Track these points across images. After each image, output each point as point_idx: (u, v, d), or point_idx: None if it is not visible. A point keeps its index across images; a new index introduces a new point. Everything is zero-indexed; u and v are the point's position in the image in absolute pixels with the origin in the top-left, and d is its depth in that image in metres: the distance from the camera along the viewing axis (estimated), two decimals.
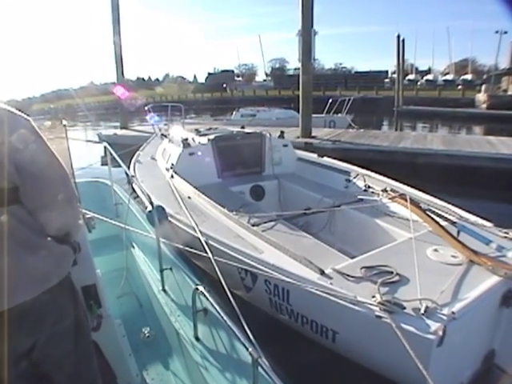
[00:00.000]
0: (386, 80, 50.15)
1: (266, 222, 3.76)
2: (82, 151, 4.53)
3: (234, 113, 19.82)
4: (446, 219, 3.44)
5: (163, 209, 3.70)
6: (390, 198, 3.91)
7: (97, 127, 25.78)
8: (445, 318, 2.11)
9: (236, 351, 2.04)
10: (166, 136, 6.56)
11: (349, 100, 15.96)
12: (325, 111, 16.03)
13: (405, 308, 2.18)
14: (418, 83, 46.69)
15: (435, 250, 2.94)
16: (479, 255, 2.74)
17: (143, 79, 78.53)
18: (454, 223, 3.38)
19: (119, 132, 15.17)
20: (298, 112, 17.64)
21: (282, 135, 6.09)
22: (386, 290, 2.37)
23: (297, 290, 2.61)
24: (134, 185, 4.89)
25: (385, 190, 4.13)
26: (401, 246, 3.08)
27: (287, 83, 48.80)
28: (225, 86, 54.63)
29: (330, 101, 15.77)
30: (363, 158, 8.43)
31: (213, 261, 2.58)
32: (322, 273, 2.59)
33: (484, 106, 27.80)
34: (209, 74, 69.36)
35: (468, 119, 23.96)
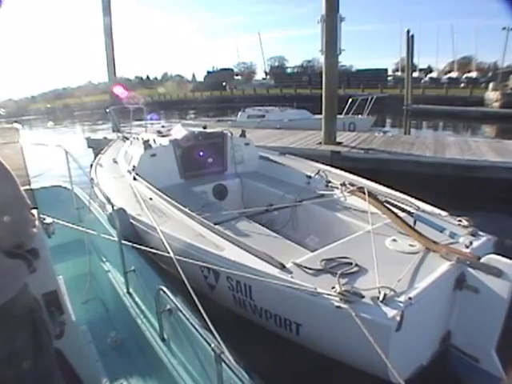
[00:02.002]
0: (389, 78, 48.67)
1: (228, 221, 3.80)
2: (57, 156, 4.42)
3: (239, 113, 17.64)
4: (404, 210, 3.57)
5: (124, 211, 3.67)
6: (348, 192, 4.02)
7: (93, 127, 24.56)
8: (402, 304, 2.20)
9: (201, 348, 2.06)
10: (127, 138, 6.47)
11: (371, 99, 13.98)
12: (343, 112, 13.54)
13: (364, 297, 2.25)
14: (422, 81, 44.45)
15: (393, 240, 3.06)
16: (434, 243, 2.87)
17: (142, 78, 76.71)
18: (410, 213, 3.51)
19: (110, 136, 13.54)
20: (312, 113, 16.04)
21: (243, 134, 6.13)
22: (345, 281, 2.44)
23: (259, 286, 2.65)
24: (95, 188, 4.81)
25: (343, 184, 4.23)
26: (360, 237, 3.18)
27: (288, 81, 48.44)
28: (224, 84, 53.79)
29: (350, 100, 13.75)
30: (403, 170, 7.51)
31: (175, 260, 2.59)
32: (283, 267, 2.63)
33: (497, 104, 26.46)
34: (208, 72, 67.81)
35: (481, 118, 22.61)
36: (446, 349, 2.82)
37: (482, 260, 2.53)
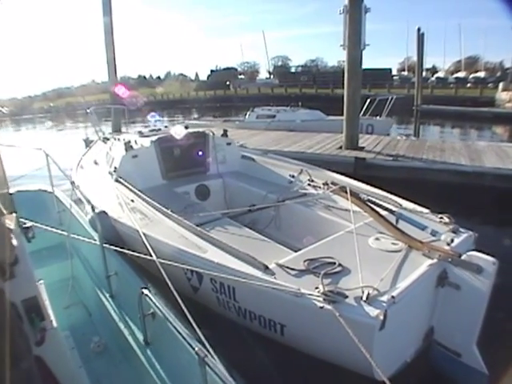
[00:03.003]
0: (395, 77, 46.94)
1: (211, 222, 3.78)
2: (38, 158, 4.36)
3: (247, 113, 16.61)
4: (386, 208, 3.60)
5: (106, 214, 3.62)
6: (331, 191, 4.03)
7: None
8: (385, 303, 2.22)
9: (184, 352, 2.04)
10: (108, 139, 6.39)
11: (391, 99, 13.05)
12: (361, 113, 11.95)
13: (347, 297, 2.26)
14: (428, 81, 42.53)
15: (376, 239, 3.08)
16: (416, 241, 2.90)
17: (144, 77, 76.44)
18: (392, 212, 3.54)
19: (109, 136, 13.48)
20: (325, 113, 15.22)
21: (225, 134, 6.11)
22: (328, 281, 2.45)
23: (242, 287, 2.64)
24: (76, 191, 4.74)
25: (326, 184, 4.24)
26: (343, 236, 3.19)
27: (292, 81, 47.79)
28: (228, 83, 53.00)
29: (369, 100, 12.71)
30: (439, 181, 6.72)
31: (157, 263, 2.56)
32: (266, 268, 2.63)
33: (509, 104, 25.21)
34: (211, 71, 67.35)
35: (492, 119, 21.57)
36: (429, 345, 2.86)
37: (462, 257, 2.57)
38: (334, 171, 5.01)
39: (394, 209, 3.62)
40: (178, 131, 5.53)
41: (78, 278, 3.65)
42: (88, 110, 8.19)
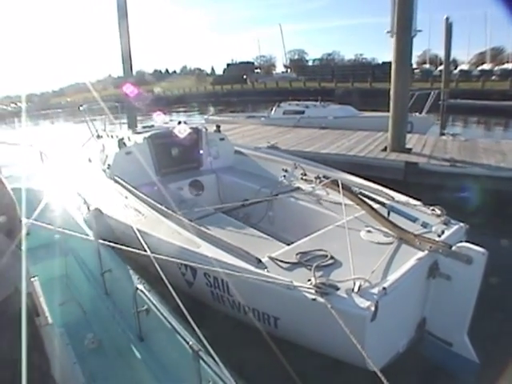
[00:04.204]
0: (416, 70, 43.19)
1: (204, 217, 3.81)
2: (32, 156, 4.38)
3: (273, 109, 15.16)
4: (378, 201, 3.62)
5: (100, 211, 3.62)
6: (323, 185, 4.05)
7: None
8: (376, 294, 2.24)
9: (179, 346, 2.06)
10: (101, 137, 6.37)
11: (433, 94, 11.63)
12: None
13: (339, 289, 2.29)
14: (451, 74, 39.04)
15: (368, 231, 3.11)
16: (407, 233, 2.92)
17: (160, 72, 76.63)
18: (384, 204, 3.57)
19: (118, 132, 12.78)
20: (357, 109, 14.05)
21: (218, 129, 6.11)
22: (320, 273, 2.47)
23: (235, 281, 2.66)
24: (71, 188, 4.74)
25: (318, 178, 4.26)
26: (335, 229, 3.21)
27: (310, 74, 46.94)
28: (245, 77, 51.28)
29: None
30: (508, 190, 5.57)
31: (152, 259, 2.58)
32: (259, 261, 2.65)
33: None
34: (227, 65, 66.93)
35: None
36: (421, 335, 2.90)
37: (453, 248, 2.60)
38: (379, 178, 4.56)
39: (385, 201, 3.64)
40: (176, 128, 5.52)
41: (72, 275, 3.66)
42: (81, 108, 8.12)
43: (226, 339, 2.56)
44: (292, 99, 17.08)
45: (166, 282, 2.28)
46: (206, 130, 5.87)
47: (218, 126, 6.18)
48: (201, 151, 5.72)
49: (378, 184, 4.13)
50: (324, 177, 4.24)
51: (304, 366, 2.74)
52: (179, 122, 5.98)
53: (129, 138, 5.37)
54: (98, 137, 6.41)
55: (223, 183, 5.37)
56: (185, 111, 32.21)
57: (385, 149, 7.90)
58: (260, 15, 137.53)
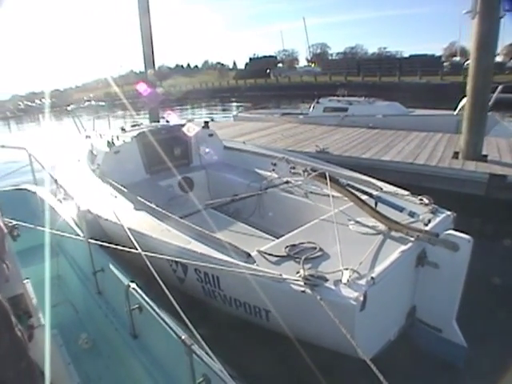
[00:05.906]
0: (446, 64, 41.48)
1: (195, 213, 3.83)
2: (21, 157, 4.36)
3: (312, 105, 13.74)
4: (366, 192, 3.66)
5: (90, 211, 3.62)
6: (311, 177, 4.09)
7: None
8: (364, 284, 2.28)
9: (172, 342, 2.08)
10: (90, 137, 6.34)
11: (499, 88, 8.97)
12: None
13: (327, 280, 2.32)
14: None
15: (356, 223, 3.15)
16: (395, 223, 2.96)
17: (182, 66, 77.32)
18: (372, 195, 3.60)
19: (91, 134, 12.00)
20: (403, 106, 12.39)
21: (206, 125, 6.11)
22: (309, 266, 2.51)
23: (226, 276, 2.69)
24: (61, 189, 4.72)
25: (306, 170, 4.30)
26: (324, 221, 3.25)
27: (335, 68, 45.82)
28: (268, 71, 50.31)
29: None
30: None
31: (143, 256, 2.59)
32: (248, 256, 2.69)
33: None
34: (250, 59, 66.69)
35: None
36: (412, 323, 2.95)
37: (440, 236, 2.65)
38: (455, 192, 4.19)
39: (373, 192, 3.68)
40: (160, 125, 5.52)
41: (64, 276, 3.66)
42: (69, 109, 8.06)
43: (219, 333, 2.59)
44: (317, 94, 15.93)
45: (158, 279, 2.30)
46: (194, 125, 5.87)
47: (207, 122, 6.17)
48: (190, 148, 5.73)
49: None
50: (312, 169, 4.27)
51: (298, 358, 2.79)
52: (168, 121, 5.98)
53: (117, 138, 5.37)
54: (87, 137, 6.39)
55: (213, 179, 5.40)
56: (207, 106, 31.94)
57: (455, 155, 6.64)
58: (285, 9, 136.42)
